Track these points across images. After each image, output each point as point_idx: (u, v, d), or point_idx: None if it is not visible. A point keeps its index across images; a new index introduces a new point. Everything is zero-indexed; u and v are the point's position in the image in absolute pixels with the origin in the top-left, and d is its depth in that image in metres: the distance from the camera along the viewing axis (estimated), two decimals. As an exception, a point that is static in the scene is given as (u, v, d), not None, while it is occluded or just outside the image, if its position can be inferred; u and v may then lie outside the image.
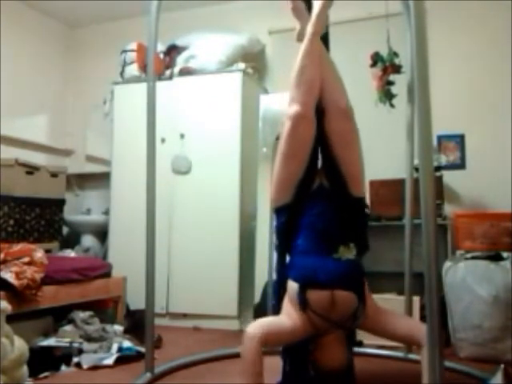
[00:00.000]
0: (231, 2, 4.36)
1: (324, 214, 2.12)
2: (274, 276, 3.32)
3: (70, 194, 4.62)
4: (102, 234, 4.33)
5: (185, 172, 3.81)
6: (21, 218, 3.84)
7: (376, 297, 3.23)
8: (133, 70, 4.13)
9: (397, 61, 3.18)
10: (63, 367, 2.55)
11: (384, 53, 3.20)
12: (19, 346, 2.11)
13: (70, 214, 4.48)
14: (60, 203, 4.24)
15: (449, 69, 3.71)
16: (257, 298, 3.40)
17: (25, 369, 2.15)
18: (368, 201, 3.50)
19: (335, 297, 1.94)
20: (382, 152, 3.70)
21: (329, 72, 2.21)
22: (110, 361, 2.63)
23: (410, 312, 2.77)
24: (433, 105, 1.70)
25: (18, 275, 2.67)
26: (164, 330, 3.20)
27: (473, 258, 2.89)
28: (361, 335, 3.08)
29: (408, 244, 2.72)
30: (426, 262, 1.63)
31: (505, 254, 2.86)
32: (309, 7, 2.31)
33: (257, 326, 1.97)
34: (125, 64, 4.16)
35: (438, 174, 3.30)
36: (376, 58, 3.21)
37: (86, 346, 2.76)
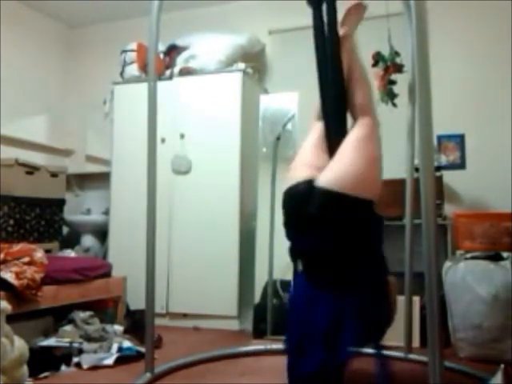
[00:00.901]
0: (231, 1, 4.36)
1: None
2: (275, 276, 3.33)
3: (70, 194, 4.62)
4: (101, 233, 4.33)
5: (185, 172, 3.81)
6: (21, 218, 3.84)
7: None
8: (133, 69, 4.13)
9: (398, 60, 3.17)
10: (63, 367, 2.55)
11: (385, 52, 3.20)
12: (19, 346, 2.11)
13: (70, 213, 4.48)
14: (60, 203, 4.24)
15: (449, 69, 3.71)
16: (257, 298, 3.40)
17: (25, 369, 2.15)
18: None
19: None
20: (382, 152, 3.70)
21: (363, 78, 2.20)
22: (110, 361, 2.63)
23: (410, 312, 2.77)
24: (433, 105, 1.71)
25: (17, 275, 2.67)
26: (164, 329, 3.20)
27: (473, 257, 2.90)
28: (361, 335, 3.08)
29: (408, 244, 2.72)
30: (426, 262, 1.63)
31: (505, 254, 2.87)
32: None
33: None
34: (125, 64, 4.16)
35: (438, 174, 3.30)
36: (377, 58, 3.20)
37: (85, 346, 2.76)
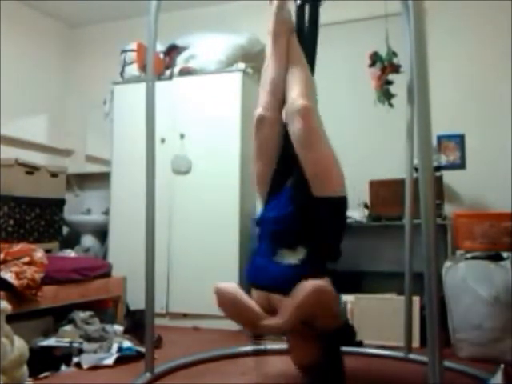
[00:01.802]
0: (231, 2, 4.36)
1: (279, 215, 2.14)
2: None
3: (70, 194, 4.62)
4: (101, 233, 4.33)
5: (185, 172, 3.81)
6: (21, 218, 3.84)
7: (376, 297, 3.26)
8: (133, 69, 4.12)
9: (395, 60, 3.17)
10: (63, 367, 2.55)
11: (383, 52, 3.20)
12: (19, 346, 2.11)
13: (70, 213, 4.48)
14: (60, 203, 4.25)
15: (448, 69, 3.71)
16: (257, 297, 3.40)
17: (25, 369, 2.15)
18: (368, 201, 3.51)
19: (271, 300, 2.04)
20: (381, 152, 3.71)
21: (292, 71, 2.20)
22: (110, 361, 2.63)
23: (409, 312, 2.77)
24: (432, 105, 1.71)
25: (18, 275, 2.67)
26: (164, 329, 3.20)
27: (473, 258, 2.90)
28: (361, 335, 3.08)
29: (408, 244, 2.72)
30: (426, 261, 1.63)
31: (505, 254, 2.87)
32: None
33: None
34: (125, 64, 4.16)
35: (438, 174, 3.30)
36: (375, 58, 3.21)
37: (85, 346, 2.76)
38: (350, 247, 3.46)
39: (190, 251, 3.72)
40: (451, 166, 3.67)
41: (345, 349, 2.93)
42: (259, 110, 2.24)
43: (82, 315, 2.99)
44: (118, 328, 3.10)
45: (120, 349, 2.75)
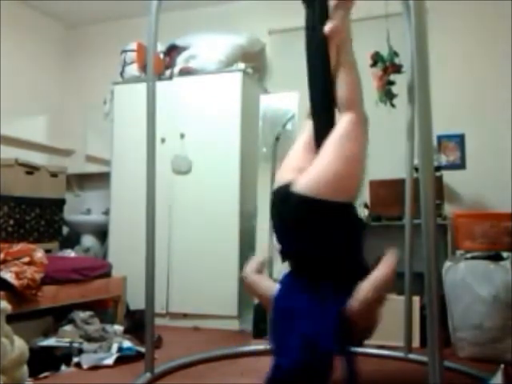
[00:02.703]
0: (231, 2, 4.36)
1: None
2: (274, 276, 3.32)
3: (70, 194, 4.62)
4: (101, 233, 4.33)
5: (185, 172, 3.81)
6: (21, 218, 3.84)
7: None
8: (133, 69, 4.13)
9: (397, 60, 3.18)
10: (63, 367, 2.55)
11: (384, 52, 3.20)
12: (19, 346, 2.11)
13: (70, 213, 4.48)
14: (60, 203, 4.25)
15: (449, 69, 3.71)
16: (257, 298, 3.40)
17: (25, 369, 2.15)
18: (368, 201, 3.51)
19: None
20: (381, 152, 3.70)
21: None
22: (110, 361, 2.63)
23: (410, 312, 2.77)
24: (433, 105, 1.70)
25: (18, 275, 2.67)
26: (164, 329, 3.20)
27: (473, 257, 2.90)
28: (361, 335, 3.08)
29: (408, 244, 2.72)
30: (426, 261, 1.62)
31: (505, 254, 2.87)
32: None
33: None
34: (125, 64, 4.16)
35: (438, 174, 3.30)
36: (376, 58, 3.21)
37: (86, 346, 2.76)
38: (350, 247, 3.49)
39: (190, 251, 3.72)
40: (451, 166, 3.67)
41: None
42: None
43: (82, 315, 2.99)
44: (118, 328, 3.10)
45: (120, 349, 2.75)
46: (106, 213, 4.26)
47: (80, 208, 4.69)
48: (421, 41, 1.71)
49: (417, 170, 2.39)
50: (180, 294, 3.71)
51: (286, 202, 1.92)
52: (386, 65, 3.16)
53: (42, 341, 2.73)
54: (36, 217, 3.98)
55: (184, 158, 3.80)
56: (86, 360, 2.61)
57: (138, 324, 2.97)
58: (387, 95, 3.16)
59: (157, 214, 2.38)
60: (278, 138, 3.50)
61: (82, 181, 4.85)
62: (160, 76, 3.85)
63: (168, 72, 3.98)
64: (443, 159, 3.67)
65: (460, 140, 3.71)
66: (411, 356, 2.69)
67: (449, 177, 3.54)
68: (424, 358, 1.69)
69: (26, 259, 2.80)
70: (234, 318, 3.56)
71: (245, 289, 2.26)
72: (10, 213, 3.75)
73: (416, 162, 2.48)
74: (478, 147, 3.66)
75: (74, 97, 4.94)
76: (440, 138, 3.69)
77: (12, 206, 3.77)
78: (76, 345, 2.74)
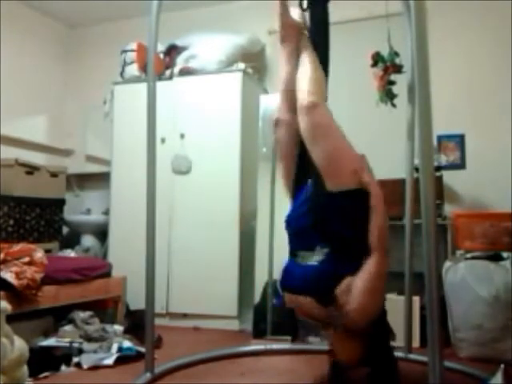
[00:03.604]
0: (231, 1, 4.36)
1: (293, 214, 2.17)
2: (275, 276, 3.33)
3: (70, 194, 4.62)
4: (101, 233, 4.33)
5: (185, 172, 3.81)
6: (21, 218, 3.84)
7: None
8: (133, 69, 4.13)
9: (398, 60, 3.17)
10: (63, 367, 2.54)
11: (385, 52, 3.20)
12: (19, 346, 2.10)
13: (70, 213, 4.48)
14: (60, 203, 4.25)
15: (449, 69, 3.71)
16: (257, 298, 3.40)
17: (25, 369, 2.15)
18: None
19: (298, 300, 2.05)
20: (382, 152, 3.70)
21: (300, 71, 2.20)
22: (110, 361, 2.63)
23: (410, 312, 2.77)
24: (433, 105, 1.71)
25: (18, 275, 2.67)
26: (164, 329, 3.20)
27: (473, 258, 2.90)
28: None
29: (408, 244, 2.72)
30: (426, 261, 1.63)
31: (505, 254, 2.87)
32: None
33: None
34: (125, 64, 4.16)
35: (438, 174, 3.30)
36: (377, 58, 3.20)
37: (86, 345, 2.75)
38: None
39: (190, 251, 3.72)
40: (451, 166, 3.67)
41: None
42: (275, 114, 2.30)
43: (81, 315, 2.99)
44: (118, 328, 3.09)
45: (120, 349, 2.74)
46: (106, 213, 4.26)
47: (80, 208, 4.69)
48: (421, 41, 1.71)
49: (417, 169, 2.39)
50: (180, 294, 3.71)
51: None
52: (387, 65, 3.16)
53: (42, 341, 2.73)
54: (36, 217, 3.98)
55: (184, 157, 3.80)
56: (86, 360, 2.61)
57: (137, 324, 2.97)
58: (388, 95, 3.16)
59: (157, 214, 2.38)
60: (277, 138, 3.49)
61: (82, 181, 4.85)
62: (160, 76, 3.85)
63: (168, 72, 3.98)
64: (443, 159, 3.67)
65: (460, 140, 3.71)
66: (411, 356, 2.69)
67: (449, 177, 3.54)
68: (424, 358, 1.69)
69: (26, 259, 2.80)
70: (234, 318, 3.56)
71: None
72: (9, 213, 3.75)
73: (416, 162, 2.48)
74: (478, 147, 3.66)
75: (74, 97, 4.93)
76: (440, 137, 3.69)
77: (12, 206, 3.77)
78: (76, 345, 2.74)
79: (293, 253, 2.13)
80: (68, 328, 2.89)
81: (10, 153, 4.05)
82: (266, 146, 3.53)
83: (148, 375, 2.29)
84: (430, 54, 1.75)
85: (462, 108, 3.71)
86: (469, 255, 2.93)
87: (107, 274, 3.45)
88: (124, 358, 2.66)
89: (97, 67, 4.82)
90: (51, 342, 2.75)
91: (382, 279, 1.98)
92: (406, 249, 2.72)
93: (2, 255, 2.75)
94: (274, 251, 3.33)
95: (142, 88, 2.45)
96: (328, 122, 2.09)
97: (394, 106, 3.19)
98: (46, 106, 4.76)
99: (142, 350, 2.53)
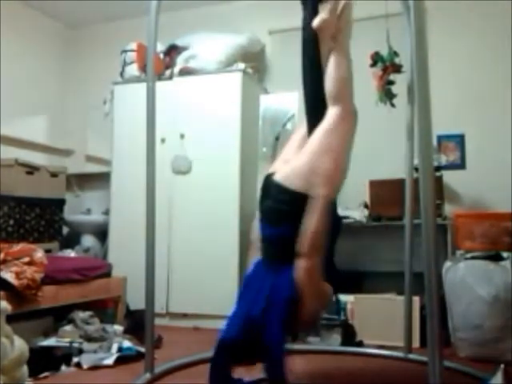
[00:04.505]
0: (231, 1, 4.36)
1: None
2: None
3: (70, 194, 4.62)
4: (101, 233, 4.33)
5: (185, 172, 3.81)
6: (21, 218, 3.84)
7: (376, 297, 3.26)
8: (133, 69, 4.13)
9: (397, 60, 3.18)
10: (63, 367, 2.54)
11: (384, 52, 3.20)
12: (19, 346, 2.10)
13: (70, 213, 4.48)
14: (60, 203, 4.24)
15: (449, 69, 3.71)
16: (257, 297, 3.40)
17: (25, 369, 2.15)
18: (368, 201, 3.52)
19: None
20: (382, 152, 3.71)
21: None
22: (110, 361, 2.63)
23: (410, 312, 2.77)
24: (433, 105, 1.71)
25: (18, 275, 2.67)
26: (164, 329, 3.20)
27: (473, 257, 2.90)
28: (361, 335, 3.09)
29: (408, 244, 2.72)
30: (426, 261, 1.63)
31: (505, 254, 2.87)
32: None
33: None
34: (125, 64, 4.16)
35: (438, 174, 3.30)
36: (376, 58, 3.21)
37: (86, 345, 2.76)
38: (350, 247, 3.49)
39: (190, 251, 3.72)
40: (451, 166, 3.67)
41: (345, 349, 2.96)
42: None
43: (81, 315, 2.99)
44: (118, 328, 3.10)
45: (120, 349, 2.75)
46: (106, 213, 4.26)
47: (80, 208, 4.69)
48: (420, 41, 1.71)
49: (417, 169, 2.39)
50: (180, 294, 3.71)
51: (267, 189, 2.06)
52: (386, 65, 3.16)
53: (42, 341, 2.73)
54: (36, 217, 3.98)
55: (184, 158, 3.80)
56: (86, 360, 2.61)
57: (138, 324, 2.97)
58: (387, 95, 3.17)
59: (157, 214, 2.38)
60: (277, 138, 3.50)
61: (82, 181, 4.85)
62: (160, 76, 3.85)
63: (168, 72, 3.98)
64: (443, 159, 3.67)
65: (460, 140, 3.71)
66: (411, 356, 2.70)
67: (449, 177, 3.54)
68: (424, 358, 1.69)
69: (26, 259, 2.80)
70: (234, 318, 3.55)
71: None
72: (9, 213, 3.75)
73: (416, 162, 2.48)
74: (478, 147, 3.66)
75: (74, 97, 4.93)
76: (440, 138, 3.69)
77: (12, 206, 3.77)
78: (76, 345, 2.74)
79: None
80: (68, 328, 2.89)
81: (10, 153, 4.06)
82: (266, 145, 3.53)
83: (148, 375, 2.29)
84: (430, 53, 1.75)
85: (462, 108, 3.71)
86: (469, 255, 2.93)
87: (107, 274, 3.45)
88: (124, 358, 2.66)
89: (97, 67, 4.82)
90: (51, 342, 2.75)
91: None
92: (406, 249, 2.72)
93: (2, 255, 2.75)
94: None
95: (142, 88, 2.44)
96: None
97: (393, 105, 3.19)
98: (46, 106, 4.76)
99: (142, 350, 2.53)
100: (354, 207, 3.53)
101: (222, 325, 3.49)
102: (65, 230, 4.46)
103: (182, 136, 3.82)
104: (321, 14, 2.13)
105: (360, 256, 3.68)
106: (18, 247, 2.90)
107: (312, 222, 1.86)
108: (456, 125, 3.68)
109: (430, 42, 1.76)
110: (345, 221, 3.29)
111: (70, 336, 2.82)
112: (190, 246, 3.73)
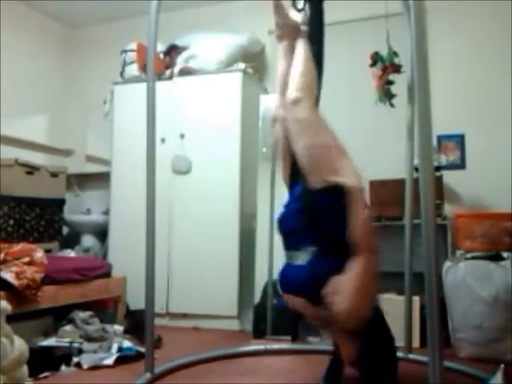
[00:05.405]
0: (231, 2, 4.36)
1: (285, 215, 2.13)
2: (275, 276, 3.33)
3: (70, 194, 4.62)
4: (101, 233, 4.33)
5: (185, 172, 3.81)
6: (21, 218, 3.83)
7: (376, 297, 3.25)
8: (133, 69, 4.13)
9: (396, 60, 3.18)
10: (63, 367, 2.54)
11: (384, 52, 3.21)
12: (19, 346, 2.10)
13: (70, 213, 4.48)
14: (60, 203, 4.24)
15: (449, 69, 3.71)
16: (257, 298, 3.40)
17: (25, 369, 2.15)
18: (368, 201, 3.51)
19: (293, 300, 2.02)
20: (381, 152, 3.70)
21: (293, 66, 2.17)
22: (110, 361, 2.63)
23: (410, 312, 2.77)
24: (433, 105, 1.71)
25: (18, 275, 2.67)
26: (164, 329, 3.20)
27: (473, 258, 2.90)
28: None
29: (408, 244, 2.72)
30: (426, 261, 1.63)
31: (505, 254, 2.87)
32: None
33: None
34: (125, 64, 4.16)
35: (438, 174, 3.30)
36: (376, 58, 3.21)
37: (86, 345, 2.76)
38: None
39: (190, 251, 3.72)
40: (451, 166, 3.67)
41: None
42: (273, 111, 2.27)
43: (81, 315, 2.99)
44: (118, 328, 3.10)
45: (120, 349, 2.75)
46: (106, 213, 4.26)
47: (80, 208, 4.69)
48: (420, 41, 1.71)
49: (417, 169, 2.39)
50: (180, 294, 3.71)
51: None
52: (386, 65, 3.17)
53: (42, 341, 2.73)
54: (36, 217, 3.98)
55: (184, 158, 3.80)
56: (86, 360, 2.61)
57: (138, 324, 2.97)
58: (386, 95, 3.17)
59: (157, 214, 2.38)
60: (277, 138, 3.49)
61: (82, 181, 4.85)
62: (160, 76, 3.85)
63: (168, 72, 3.98)
64: (443, 159, 3.67)
65: (460, 140, 3.71)
66: (411, 356, 2.69)
67: (449, 177, 3.54)
68: (424, 358, 1.69)
69: (26, 259, 2.80)
70: (234, 318, 3.56)
71: None
72: (10, 213, 3.75)
73: (416, 162, 2.48)
74: (478, 147, 3.66)
75: (74, 97, 4.93)
76: (440, 138, 3.69)
77: (12, 206, 3.77)
78: (76, 345, 2.74)
79: (286, 253, 2.11)
80: (68, 328, 2.89)
81: (10, 153, 4.05)
82: (266, 145, 3.53)
83: (148, 375, 2.29)
84: (431, 53, 1.75)
85: (462, 108, 3.71)
86: (469, 255, 2.93)
87: (107, 274, 3.45)
88: (124, 358, 2.66)
89: (97, 67, 4.82)
90: (51, 342, 2.76)
91: (371, 279, 1.91)
92: (406, 249, 2.72)
93: (2, 255, 2.75)
94: (274, 251, 3.33)
95: (142, 88, 2.44)
96: (310, 119, 2.04)
97: (392, 105, 3.19)
98: (46, 106, 4.76)
99: (142, 350, 2.53)
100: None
101: (221, 325, 3.51)
102: (65, 230, 4.46)
103: (182, 136, 3.82)
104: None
105: (360, 256, 3.67)
106: (18, 247, 2.90)
107: (358, 216, 1.91)
108: (456, 125, 3.68)
109: (429, 42, 1.76)
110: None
111: (69, 336, 2.82)
112: (189, 246, 3.73)
